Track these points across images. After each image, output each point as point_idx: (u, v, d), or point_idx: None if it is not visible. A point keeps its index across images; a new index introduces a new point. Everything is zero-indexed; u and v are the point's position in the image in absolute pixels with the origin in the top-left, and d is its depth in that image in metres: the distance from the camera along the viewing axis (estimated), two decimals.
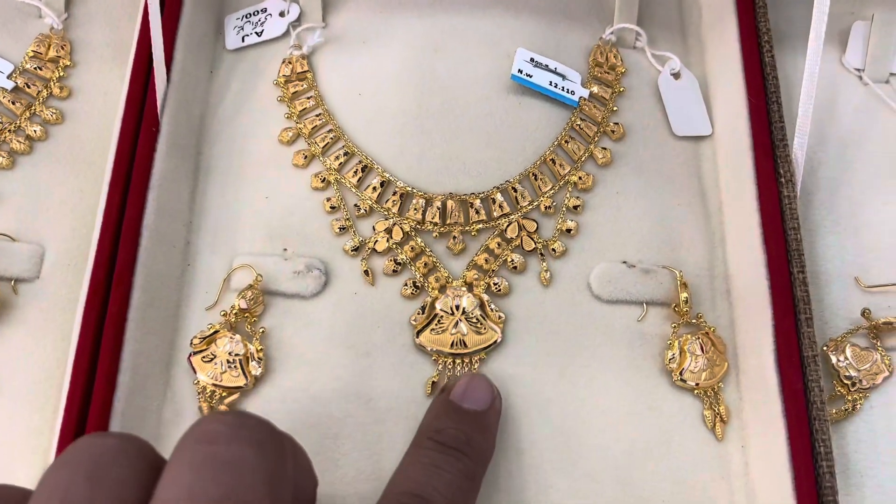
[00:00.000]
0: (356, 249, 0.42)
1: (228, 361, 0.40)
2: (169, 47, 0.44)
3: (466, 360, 0.40)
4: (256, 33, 0.47)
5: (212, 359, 0.40)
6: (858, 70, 0.48)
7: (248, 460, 0.24)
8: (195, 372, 0.40)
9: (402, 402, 0.40)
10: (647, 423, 0.40)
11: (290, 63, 0.46)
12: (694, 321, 0.42)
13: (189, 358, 0.40)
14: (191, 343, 0.40)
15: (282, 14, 0.47)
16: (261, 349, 0.40)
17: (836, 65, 0.49)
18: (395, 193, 0.43)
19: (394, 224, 0.42)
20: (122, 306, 0.39)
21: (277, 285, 0.41)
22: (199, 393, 0.40)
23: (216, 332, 0.40)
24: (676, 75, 0.47)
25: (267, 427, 0.26)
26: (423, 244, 0.42)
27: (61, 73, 0.46)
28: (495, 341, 0.40)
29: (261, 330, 0.41)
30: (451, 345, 0.40)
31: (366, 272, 0.42)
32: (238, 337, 0.40)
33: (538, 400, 0.40)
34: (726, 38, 0.46)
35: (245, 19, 0.48)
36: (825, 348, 0.41)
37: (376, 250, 0.42)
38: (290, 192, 0.44)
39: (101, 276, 0.39)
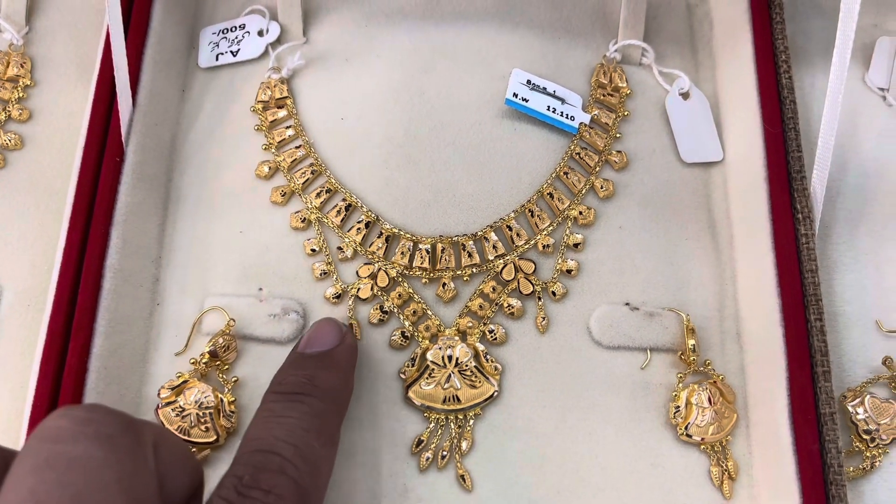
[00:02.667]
0: (338, 297, 0.39)
1: (198, 415, 0.37)
2: (136, 65, 0.41)
3: (461, 416, 0.37)
4: (232, 52, 0.43)
5: (181, 411, 0.37)
6: (882, 89, 0.45)
7: (95, 458, 0.23)
8: (164, 426, 0.37)
9: (385, 460, 0.37)
10: (649, 481, 0.37)
11: (268, 88, 0.43)
12: (701, 369, 0.39)
13: (157, 410, 0.37)
14: (158, 394, 0.37)
15: (260, 33, 0.44)
16: (233, 401, 0.37)
17: (859, 83, 0.45)
18: (380, 235, 0.39)
19: (379, 269, 0.39)
20: (83, 355, 0.36)
21: (252, 329, 0.38)
22: None
23: (185, 381, 0.37)
24: (686, 95, 0.44)
25: (118, 419, 0.24)
26: (411, 290, 0.39)
27: (21, 94, 0.43)
28: (492, 395, 0.37)
29: (233, 379, 0.38)
30: (444, 400, 0.37)
31: (350, 325, 0.38)
32: (209, 388, 0.37)
33: (533, 456, 0.37)
34: (740, 56, 0.43)
35: (221, 35, 0.44)
36: (843, 399, 0.38)
37: (360, 297, 0.39)
38: (267, 226, 0.40)
39: (61, 320, 0.37)
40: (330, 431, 0.32)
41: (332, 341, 0.35)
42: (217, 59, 0.44)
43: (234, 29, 0.44)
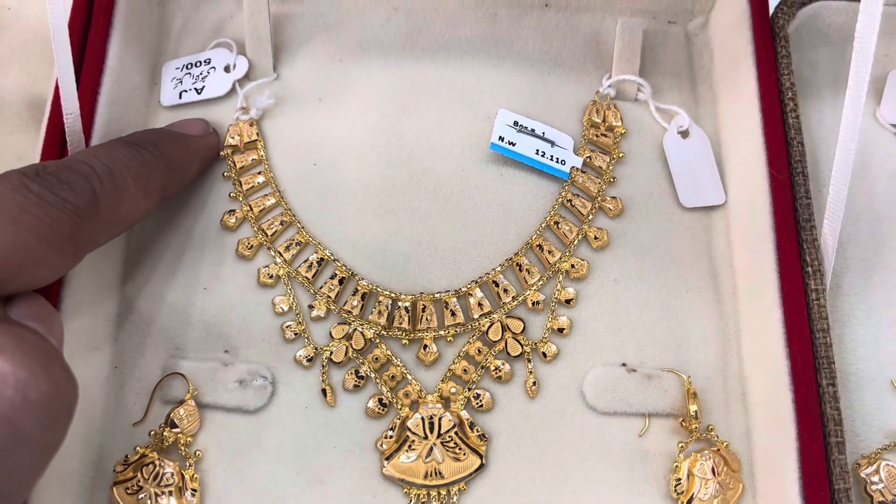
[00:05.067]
0: (310, 359, 0.36)
1: (157, 493, 0.34)
2: (90, 104, 0.38)
3: (444, 492, 0.34)
4: (196, 89, 0.40)
5: (137, 489, 0.34)
6: (895, 126, 0.42)
7: None
8: None
9: None
10: None
11: (238, 132, 0.39)
12: (704, 435, 0.36)
13: (112, 488, 0.34)
14: (113, 470, 0.34)
15: (227, 69, 0.40)
16: (195, 476, 0.34)
17: (870, 119, 0.42)
18: (355, 292, 0.36)
19: (354, 329, 0.36)
20: None
21: (216, 397, 0.35)
22: None
23: (144, 455, 0.34)
24: (685, 133, 0.41)
25: None
26: (389, 352, 0.36)
27: None
28: (478, 468, 0.34)
29: (196, 453, 0.35)
30: (425, 475, 0.34)
31: (323, 391, 0.35)
32: (169, 462, 0.34)
33: None
34: (743, 91, 0.40)
35: (185, 70, 0.41)
36: (856, 467, 0.36)
37: (333, 361, 0.36)
38: (233, 281, 0.37)
39: None
40: (148, 185, 0.32)
41: (195, 131, 0.37)
42: (180, 97, 0.40)
43: (198, 64, 0.41)
